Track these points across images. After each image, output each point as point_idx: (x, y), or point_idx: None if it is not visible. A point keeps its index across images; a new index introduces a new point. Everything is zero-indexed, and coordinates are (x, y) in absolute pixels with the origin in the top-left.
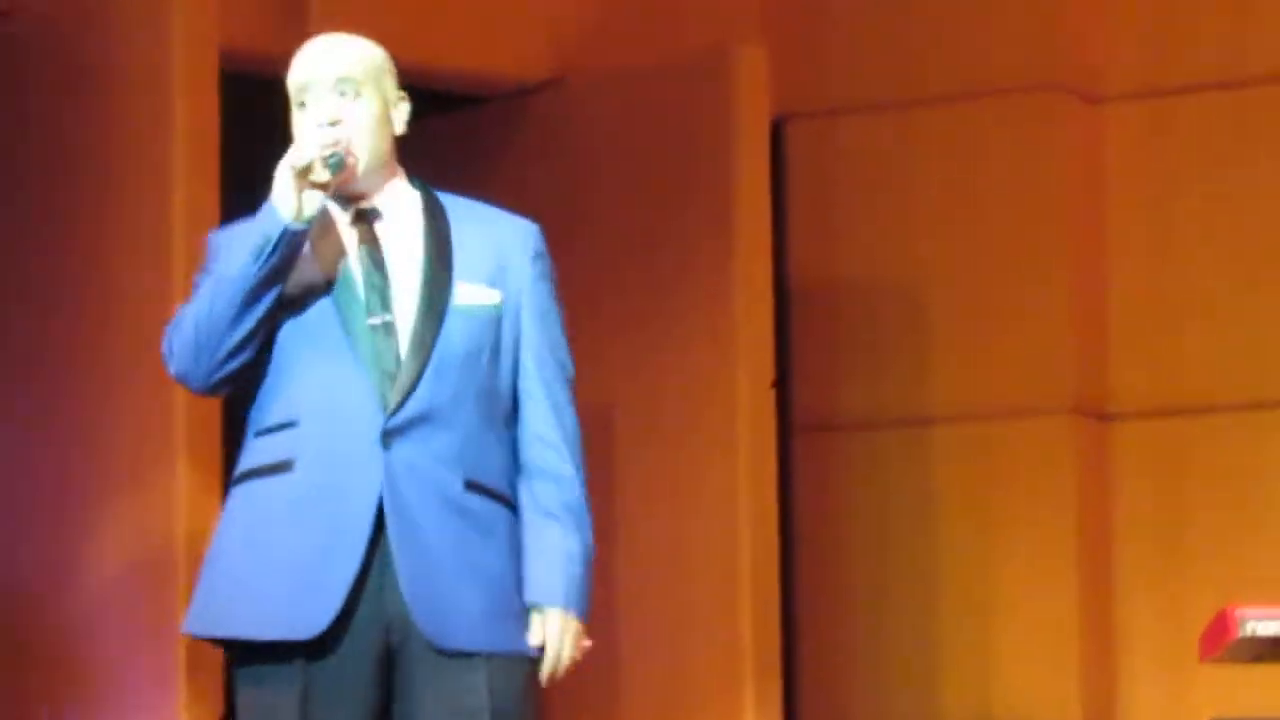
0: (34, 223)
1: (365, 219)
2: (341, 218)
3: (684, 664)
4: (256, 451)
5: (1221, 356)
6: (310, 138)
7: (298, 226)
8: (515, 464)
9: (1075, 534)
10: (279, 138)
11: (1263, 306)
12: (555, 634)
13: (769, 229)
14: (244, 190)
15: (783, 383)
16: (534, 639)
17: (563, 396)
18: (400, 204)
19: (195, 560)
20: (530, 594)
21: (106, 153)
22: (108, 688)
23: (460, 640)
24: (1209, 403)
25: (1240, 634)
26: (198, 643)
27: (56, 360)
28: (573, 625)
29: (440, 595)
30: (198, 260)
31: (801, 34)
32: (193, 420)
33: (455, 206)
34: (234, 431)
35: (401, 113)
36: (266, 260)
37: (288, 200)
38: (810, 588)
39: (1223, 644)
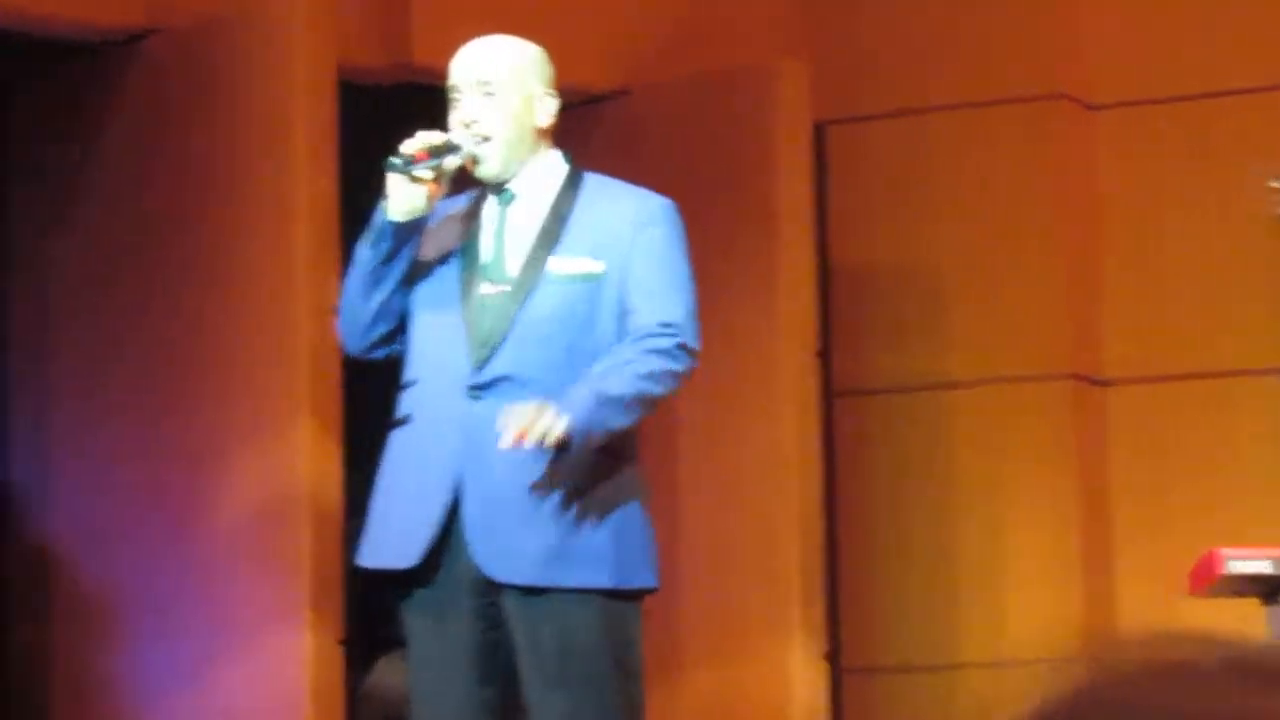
0: (173, 213)
1: (501, 201)
2: (487, 199)
3: (738, 601)
4: (397, 406)
5: (1202, 330)
6: (412, 140)
7: (399, 219)
8: None
9: (1076, 484)
10: (386, 138)
11: (1237, 287)
12: (526, 408)
13: (811, 219)
14: (358, 185)
15: (823, 353)
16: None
17: (653, 344)
18: (537, 185)
19: (317, 503)
20: None
21: (235, 150)
22: (240, 618)
23: (517, 575)
24: (1192, 370)
25: (1224, 572)
26: (319, 576)
27: (193, 331)
28: (548, 413)
29: (501, 534)
30: (318, 243)
31: (839, 50)
32: (315, 378)
33: (593, 186)
34: (352, 388)
35: (547, 106)
36: (376, 248)
37: (390, 196)
38: (848, 533)
39: (1209, 581)
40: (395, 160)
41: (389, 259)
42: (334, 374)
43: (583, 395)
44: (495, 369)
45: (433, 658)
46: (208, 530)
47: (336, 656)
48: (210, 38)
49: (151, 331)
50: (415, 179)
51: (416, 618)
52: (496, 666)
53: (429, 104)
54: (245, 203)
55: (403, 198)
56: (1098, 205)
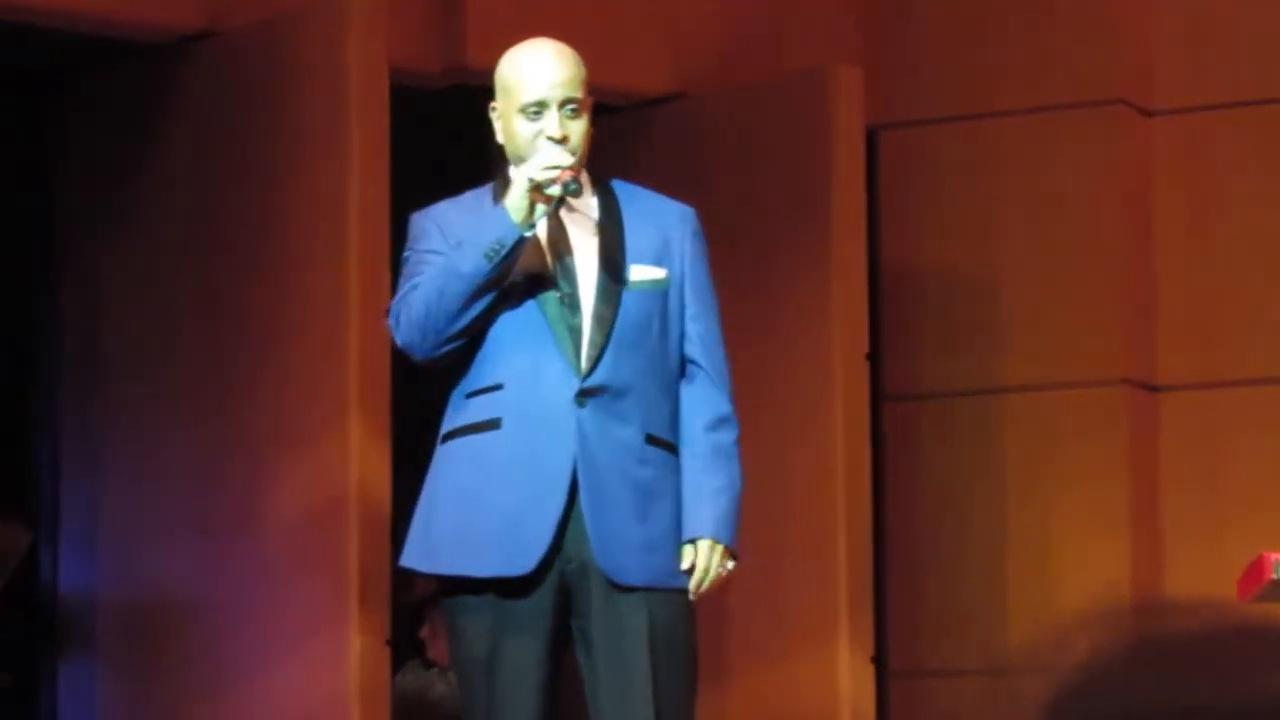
0: (225, 216)
1: (557, 212)
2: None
3: (786, 604)
4: (467, 411)
5: (1254, 337)
6: (547, 155)
7: (528, 233)
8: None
9: (1127, 490)
10: (436, 141)
11: None
12: (704, 558)
13: (863, 224)
14: (407, 185)
15: (874, 357)
16: (685, 564)
17: (720, 355)
18: (584, 196)
19: (367, 505)
20: (686, 530)
21: (287, 153)
22: (287, 619)
23: (629, 576)
24: (1242, 376)
25: (1273, 576)
26: (366, 577)
27: (245, 333)
28: (719, 550)
29: (617, 536)
30: (370, 245)
31: (893, 55)
32: (364, 380)
33: (624, 192)
34: (401, 390)
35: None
36: (500, 262)
37: (522, 209)
38: (897, 536)
39: (1258, 586)
40: (573, 184)
41: (505, 273)
42: (383, 377)
43: (726, 511)
44: (599, 376)
45: (509, 666)
46: (257, 531)
47: (383, 657)
48: (264, 41)
49: (203, 333)
50: (547, 196)
51: (490, 624)
52: (560, 679)
53: (482, 107)
54: (297, 205)
55: (529, 211)
56: (1153, 211)
